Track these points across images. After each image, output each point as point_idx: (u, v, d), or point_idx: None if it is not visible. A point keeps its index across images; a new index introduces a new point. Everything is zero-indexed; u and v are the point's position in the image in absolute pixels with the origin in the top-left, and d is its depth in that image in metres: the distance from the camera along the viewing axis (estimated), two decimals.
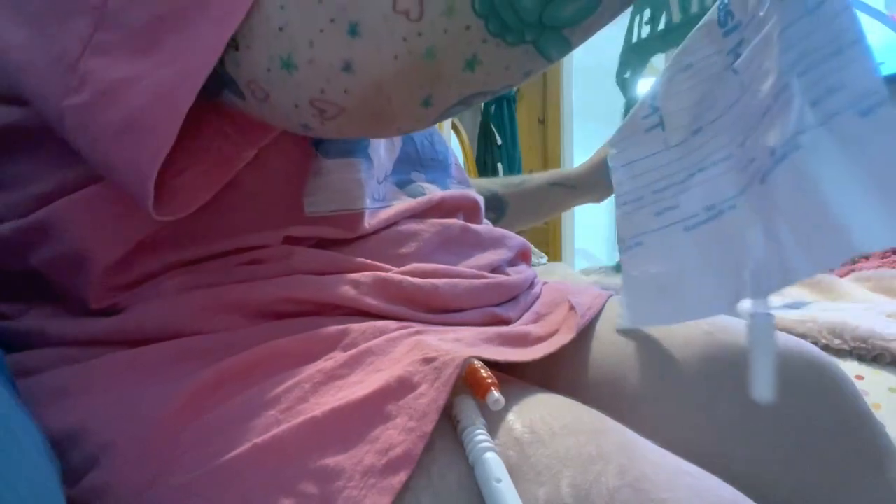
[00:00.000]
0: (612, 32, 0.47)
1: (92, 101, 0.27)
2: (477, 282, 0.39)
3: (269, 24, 0.26)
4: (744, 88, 0.34)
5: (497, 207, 0.74)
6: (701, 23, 0.39)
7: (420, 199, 0.42)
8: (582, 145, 2.92)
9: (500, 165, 2.54)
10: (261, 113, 0.30)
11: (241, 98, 0.29)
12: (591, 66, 2.26)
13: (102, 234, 0.32)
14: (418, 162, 0.46)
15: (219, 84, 0.29)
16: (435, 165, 0.47)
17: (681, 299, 0.40)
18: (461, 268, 0.39)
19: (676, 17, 1.01)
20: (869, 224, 0.27)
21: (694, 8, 0.99)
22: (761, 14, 0.33)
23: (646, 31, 1.09)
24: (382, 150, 0.41)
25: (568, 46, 0.28)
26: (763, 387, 0.30)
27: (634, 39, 1.11)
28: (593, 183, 0.75)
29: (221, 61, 0.27)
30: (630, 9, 1.10)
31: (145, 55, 0.27)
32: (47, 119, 0.29)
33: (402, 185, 0.43)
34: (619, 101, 1.53)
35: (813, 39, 0.29)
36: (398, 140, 0.44)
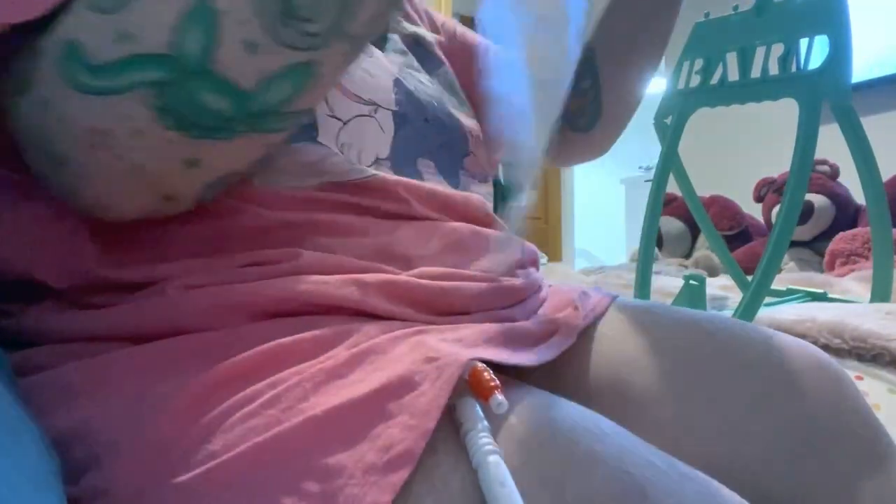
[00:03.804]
0: None
1: None
2: (485, 285, 0.38)
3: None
4: None
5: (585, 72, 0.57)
6: None
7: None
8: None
9: None
10: None
11: None
12: None
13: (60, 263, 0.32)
14: (425, 148, 0.44)
15: None
16: (445, 150, 0.45)
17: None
18: (470, 271, 0.39)
19: (733, 76, 0.88)
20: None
21: (755, 72, 0.85)
22: None
23: (696, 80, 0.93)
24: (361, 135, 0.40)
25: (297, 115, 0.30)
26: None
27: (681, 86, 0.95)
28: None
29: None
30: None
31: None
32: None
33: (409, 177, 0.41)
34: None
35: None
36: (389, 124, 0.42)
